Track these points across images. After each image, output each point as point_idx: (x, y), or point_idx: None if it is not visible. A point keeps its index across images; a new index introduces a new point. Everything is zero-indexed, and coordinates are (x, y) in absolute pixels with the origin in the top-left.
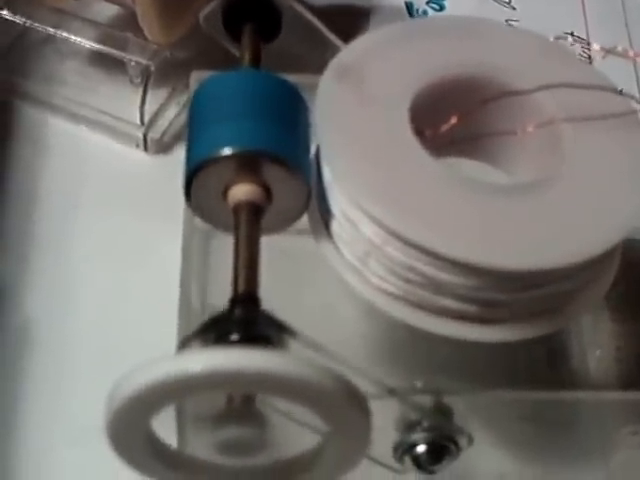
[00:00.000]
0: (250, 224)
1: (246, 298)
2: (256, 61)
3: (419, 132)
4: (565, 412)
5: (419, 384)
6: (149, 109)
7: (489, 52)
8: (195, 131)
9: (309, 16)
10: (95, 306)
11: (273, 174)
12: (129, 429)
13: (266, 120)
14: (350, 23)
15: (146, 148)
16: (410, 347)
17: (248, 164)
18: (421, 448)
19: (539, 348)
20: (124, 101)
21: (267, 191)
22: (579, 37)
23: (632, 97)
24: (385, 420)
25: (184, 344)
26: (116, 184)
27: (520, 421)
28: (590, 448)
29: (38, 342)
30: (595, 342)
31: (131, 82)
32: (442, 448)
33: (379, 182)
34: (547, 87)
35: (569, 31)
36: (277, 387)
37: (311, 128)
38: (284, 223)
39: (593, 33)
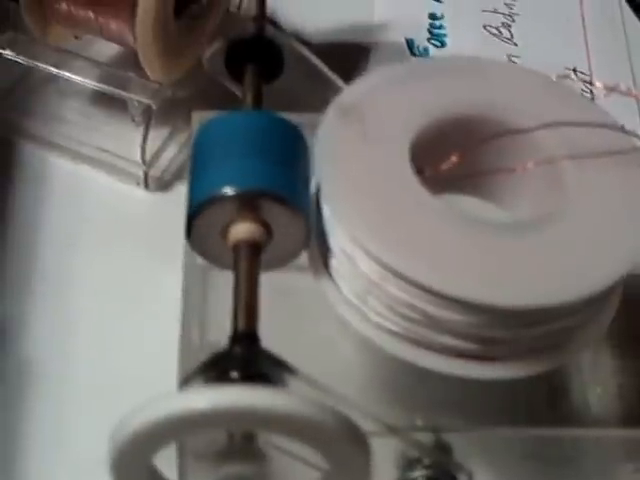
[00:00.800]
0: (250, 262)
1: (246, 336)
2: (258, 101)
3: (419, 170)
4: (566, 449)
5: (419, 421)
6: (150, 147)
7: (490, 91)
8: (197, 171)
9: (311, 56)
10: (95, 343)
11: (273, 213)
12: (132, 465)
13: (267, 159)
14: (350, 60)
15: (147, 186)
16: (410, 384)
17: (249, 203)
18: None
19: (539, 385)
20: (125, 140)
21: (267, 229)
22: (582, 72)
23: (634, 135)
24: (385, 457)
25: (186, 382)
26: (116, 222)
27: (521, 458)
28: None
29: (39, 378)
30: (596, 379)
31: (132, 121)
32: None
33: (378, 220)
34: (548, 126)
35: (571, 67)
36: (280, 425)
37: (311, 166)
38: (284, 260)
39: (596, 68)
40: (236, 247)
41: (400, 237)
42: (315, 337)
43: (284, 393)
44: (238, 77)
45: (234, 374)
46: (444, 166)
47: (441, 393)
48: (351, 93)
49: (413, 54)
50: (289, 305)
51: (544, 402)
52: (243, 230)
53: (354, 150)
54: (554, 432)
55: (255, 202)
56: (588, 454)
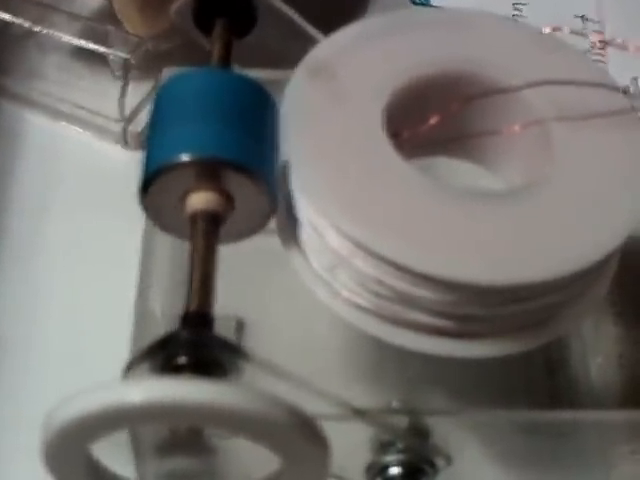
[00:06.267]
0: (207, 235)
1: (197, 318)
2: (226, 59)
3: (396, 133)
4: (562, 429)
5: (395, 403)
6: (131, 103)
7: (475, 46)
8: (154, 134)
9: (286, 9)
10: (67, 307)
11: (235, 182)
12: (66, 456)
13: (229, 124)
14: (348, 7)
15: (125, 143)
16: (387, 363)
17: (208, 171)
18: (394, 470)
19: (537, 354)
20: (105, 96)
21: (228, 199)
22: (591, 20)
23: (625, 93)
24: (357, 440)
25: (131, 366)
26: (94, 180)
27: (514, 436)
28: (589, 464)
29: (5, 344)
30: (597, 348)
31: (113, 76)
32: (417, 470)
33: (346, 191)
34: (536, 85)
35: (580, 14)
36: (221, 420)
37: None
38: (246, 232)
39: (607, 15)
40: (193, 217)
41: (369, 209)
42: (288, 314)
43: (227, 386)
44: (208, 32)
45: (182, 359)
46: (422, 129)
47: (426, 372)
48: (323, 50)
49: (414, 2)
50: (261, 279)
51: (542, 372)
52: (201, 200)
53: (323, 114)
54: (548, 415)
55: (215, 170)
56: (582, 436)
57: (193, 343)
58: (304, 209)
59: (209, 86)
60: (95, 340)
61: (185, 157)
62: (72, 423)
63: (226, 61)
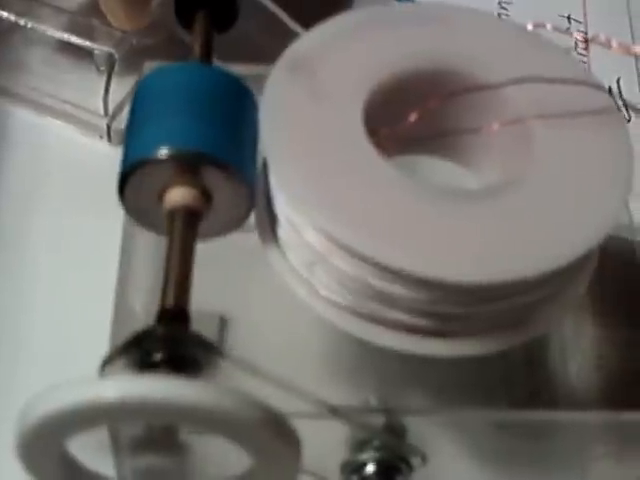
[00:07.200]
0: (185, 231)
1: (174, 314)
2: (206, 53)
3: (375, 131)
4: (540, 428)
5: (372, 401)
6: (116, 98)
7: (457, 43)
8: (132, 128)
9: (267, 3)
10: (51, 303)
11: (213, 177)
12: (41, 451)
13: (207, 119)
14: (333, 2)
15: (110, 139)
16: (366, 361)
17: (186, 166)
18: (370, 468)
19: (516, 353)
20: (91, 90)
21: (207, 195)
22: (576, 20)
23: (606, 92)
24: (333, 438)
25: (108, 361)
26: (78, 174)
27: (491, 435)
28: (566, 464)
29: None
30: (576, 348)
31: (98, 70)
32: (393, 468)
33: (324, 188)
34: (518, 81)
35: (566, 14)
36: (193, 418)
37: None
38: (224, 228)
39: (591, 15)
40: (171, 213)
41: (347, 206)
42: (271, 312)
43: (201, 385)
44: (189, 26)
45: (158, 356)
46: (401, 126)
47: (406, 370)
48: (302, 44)
49: None
50: (247, 277)
51: (521, 371)
52: (179, 195)
53: (302, 110)
54: (525, 415)
55: (194, 166)
56: (560, 436)
57: (169, 340)
58: (282, 206)
59: (187, 81)
60: (79, 335)
61: (163, 152)
62: (46, 419)
63: (207, 55)
